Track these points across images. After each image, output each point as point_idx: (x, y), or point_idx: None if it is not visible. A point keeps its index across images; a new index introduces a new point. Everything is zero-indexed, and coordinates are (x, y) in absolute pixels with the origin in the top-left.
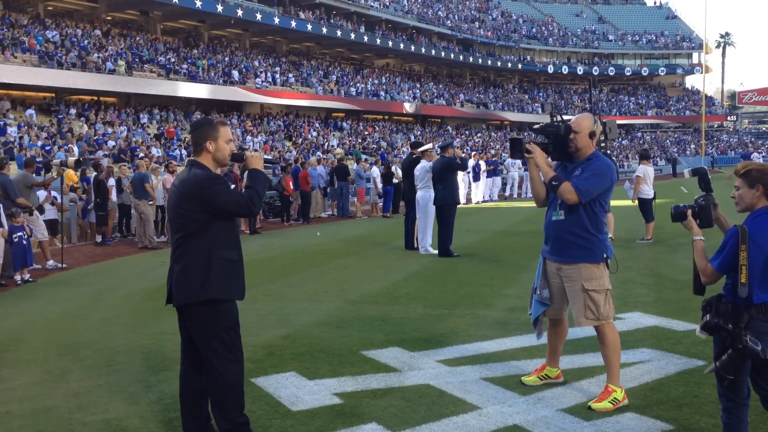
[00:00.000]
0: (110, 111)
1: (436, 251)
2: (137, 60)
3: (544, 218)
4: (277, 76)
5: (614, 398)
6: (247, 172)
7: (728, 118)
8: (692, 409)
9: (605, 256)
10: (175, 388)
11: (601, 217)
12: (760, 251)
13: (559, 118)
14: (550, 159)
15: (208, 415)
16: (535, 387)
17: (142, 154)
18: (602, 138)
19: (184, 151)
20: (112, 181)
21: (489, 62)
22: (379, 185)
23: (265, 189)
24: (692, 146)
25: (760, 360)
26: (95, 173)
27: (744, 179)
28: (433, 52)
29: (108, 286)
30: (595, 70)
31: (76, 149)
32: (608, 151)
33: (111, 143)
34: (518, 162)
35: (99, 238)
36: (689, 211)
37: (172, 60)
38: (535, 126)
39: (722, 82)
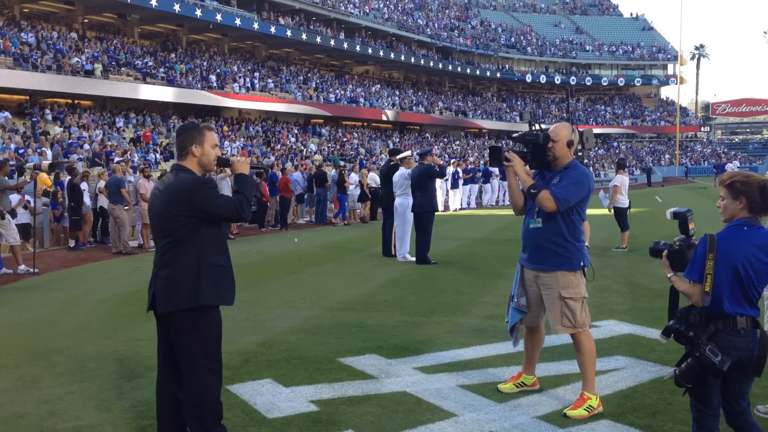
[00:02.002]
0: (85, 114)
1: (414, 258)
2: (114, 63)
3: (521, 226)
4: (256, 81)
5: (589, 405)
6: (234, 176)
7: (702, 128)
8: (666, 416)
9: (582, 264)
10: (149, 395)
11: (578, 226)
12: (726, 261)
13: (537, 127)
14: (528, 167)
15: (184, 424)
16: (512, 394)
17: (118, 158)
18: (579, 147)
19: (159, 156)
20: (86, 186)
21: (468, 70)
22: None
23: (252, 193)
24: (667, 156)
25: (717, 372)
26: (69, 177)
27: (728, 190)
28: (413, 59)
29: (81, 292)
30: (573, 80)
31: (49, 152)
32: (585, 160)
33: (86, 147)
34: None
35: (72, 243)
36: (665, 252)
37: (150, 64)
38: (514, 135)
39: (696, 94)
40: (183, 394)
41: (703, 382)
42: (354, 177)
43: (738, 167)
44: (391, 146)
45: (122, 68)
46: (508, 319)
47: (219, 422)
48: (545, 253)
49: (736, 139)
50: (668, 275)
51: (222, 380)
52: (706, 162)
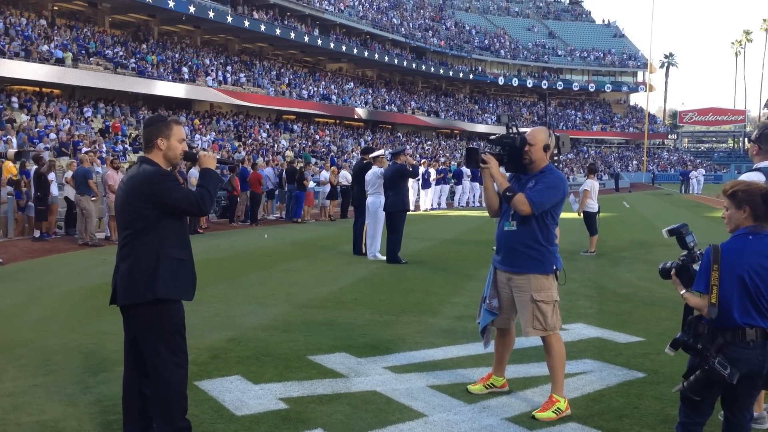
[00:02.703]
0: (53, 103)
1: (385, 257)
2: (83, 52)
3: (496, 228)
4: (229, 75)
5: (558, 408)
6: (199, 171)
7: (669, 136)
8: (633, 420)
9: (555, 267)
10: (115, 390)
11: (552, 230)
12: (731, 271)
13: (514, 130)
14: (504, 170)
15: (150, 419)
16: (481, 395)
17: (85, 149)
18: (555, 152)
19: (128, 147)
20: (52, 176)
21: (441, 71)
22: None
23: (217, 189)
24: (634, 162)
25: (726, 384)
26: (36, 166)
27: (731, 200)
28: (387, 58)
29: (46, 283)
30: (545, 84)
31: (15, 141)
32: (557, 165)
33: (53, 136)
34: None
35: (37, 233)
36: (673, 270)
37: (120, 54)
38: (491, 137)
39: (665, 101)
40: (148, 388)
41: (710, 394)
42: (324, 174)
43: (703, 175)
44: (363, 144)
45: (92, 57)
46: (479, 320)
47: (184, 416)
48: (519, 256)
49: (702, 148)
50: (681, 293)
51: (187, 374)
52: (672, 169)
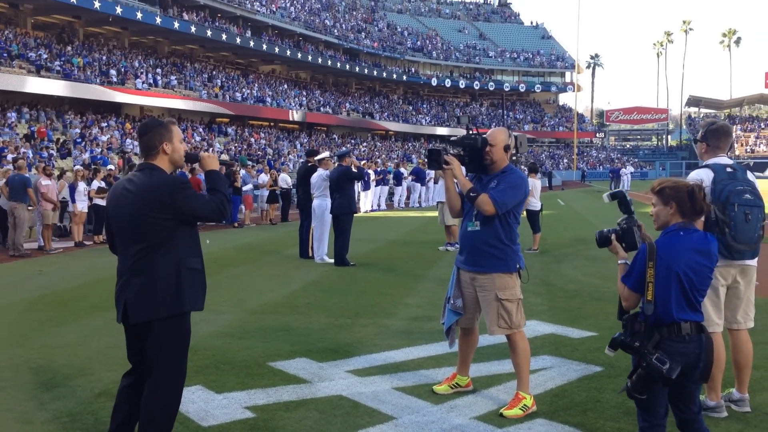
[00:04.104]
0: None
1: (332, 260)
2: (5, 55)
3: (459, 229)
4: (159, 77)
5: (524, 405)
6: (205, 173)
7: (597, 134)
8: (596, 413)
9: (518, 266)
10: (71, 405)
11: (514, 229)
12: (667, 268)
13: (474, 132)
14: (465, 170)
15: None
16: (447, 396)
17: (11, 155)
18: (514, 151)
19: (55, 152)
20: None
21: (375, 72)
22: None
23: (227, 190)
24: (565, 160)
25: (666, 379)
26: None
27: (659, 196)
28: (320, 60)
29: None
30: (477, 85)
31: None
32: (516, 164)
33: None
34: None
35: None
36: (613, 236)
37: (44, 56)
38: (452, 138)
39: (592, 101)
40: (144, 400)
41: (653, 391)
42: (263, 177)
43: (631, 172)
44: (298, 147)
45: (15, 60)
46: (443, 320)
47: None
48: (482, 255)
49: (628, 146)
50: (619, 261)
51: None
52: (601, 167)
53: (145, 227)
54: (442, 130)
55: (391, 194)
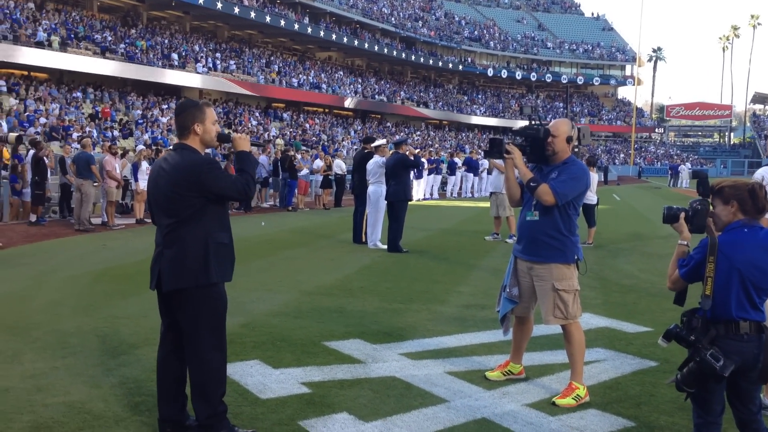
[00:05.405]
0: (42, 87)
1: (385, 246)
2: (72, 36)
3: (518, 218)
4: (218, 62)
5: (577, 395)
6: (235, 154)
7: (656, 130)
8: (650, 407)
9: (576, 257)
10: (137, 372)
11: (574, 220)
12: (728, 264)
13: (538, 121)
14: (526, 160)
15: (184, 403)
16: (499, 382)
17: (77, 134)
18: (576, 143)
19: (118, 132)
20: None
21: (430, 61)
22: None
23: (255, 171)
24: (621, 155)
25: (717, 377)
26: (33, 150)
27: (718, 196)
28: (376, 48)
29: (49, 268)
30: (534, 76)
31: (4, 125)
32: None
33: (42, 120)
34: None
35: (33, 218)
36: (682, 214)
37: (109, 39)
38: (515, 128)
39: (652, 95)
40: (188, 371)
41: (705, 387)
42: (318, 163)
43: (690, 168)
44: (352, 133)
45: (81, 42)
46: (499, 308)
47: (221, 399)
48: (540, 246)
49: (688, 142)
50: (680, 242)
51: (226, 358)
52: (659, 163)
53: (176, 204)
54: (492, 121)
55: (443, 183)
